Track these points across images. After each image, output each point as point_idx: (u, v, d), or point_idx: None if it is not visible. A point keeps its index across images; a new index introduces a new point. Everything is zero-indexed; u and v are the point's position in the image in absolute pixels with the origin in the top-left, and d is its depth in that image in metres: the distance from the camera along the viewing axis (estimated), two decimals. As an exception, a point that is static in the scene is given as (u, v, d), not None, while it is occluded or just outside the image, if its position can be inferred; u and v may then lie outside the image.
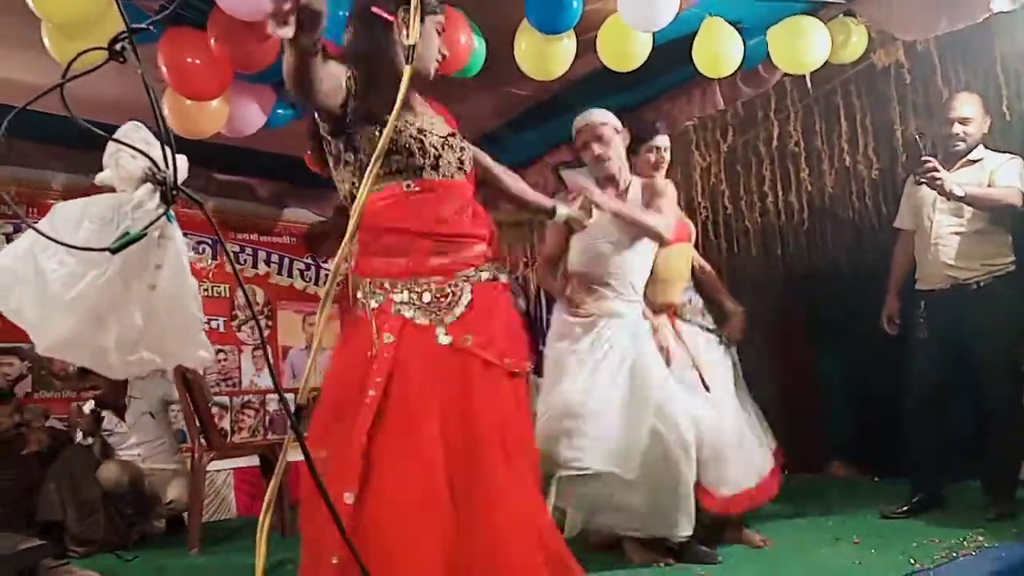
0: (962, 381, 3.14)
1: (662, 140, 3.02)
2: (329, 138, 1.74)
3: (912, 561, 2.40)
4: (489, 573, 1.56)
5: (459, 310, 1.69)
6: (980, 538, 2.64)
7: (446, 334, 1.65)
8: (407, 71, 1.30)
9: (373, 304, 1.69)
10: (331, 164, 1.77)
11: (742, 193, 4.31)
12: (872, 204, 4.09)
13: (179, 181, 0.97)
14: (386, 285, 1.69)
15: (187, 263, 1.01)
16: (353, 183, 1.72)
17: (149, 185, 0.96)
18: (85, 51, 1.07)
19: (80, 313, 0.95)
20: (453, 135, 1.83)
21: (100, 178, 1.02)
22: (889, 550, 2.60)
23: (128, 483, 3.74)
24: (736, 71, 3.26)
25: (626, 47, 3.10)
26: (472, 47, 3.03)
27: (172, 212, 0.97)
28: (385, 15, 1.76)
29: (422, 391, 1.61)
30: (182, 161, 1.01)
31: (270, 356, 4.78)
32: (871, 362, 3.92)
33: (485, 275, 1.76)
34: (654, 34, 3.04)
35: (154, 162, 0.97)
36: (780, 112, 3.86)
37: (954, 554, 2.48)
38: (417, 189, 1.72)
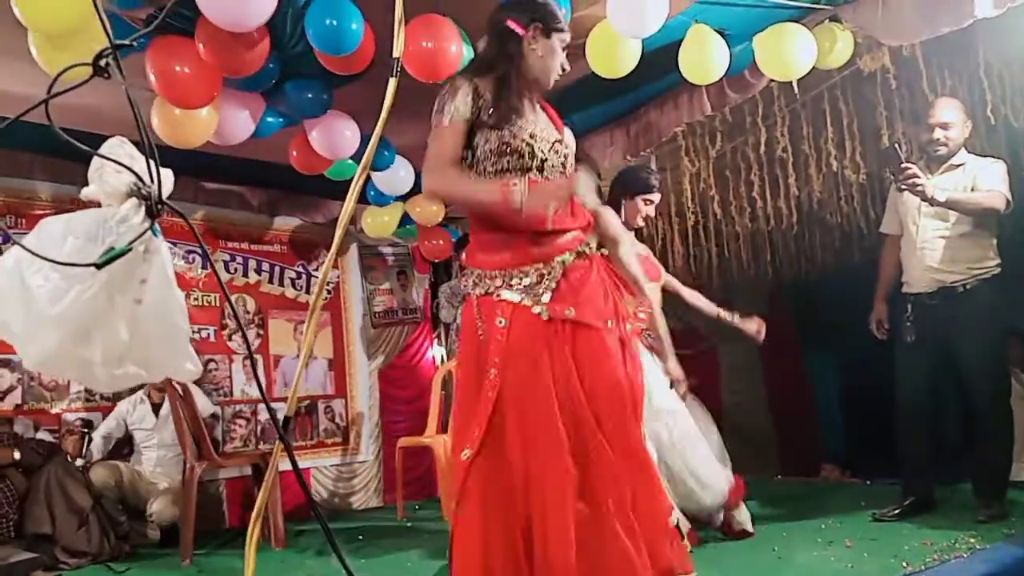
0: (950, 383, 3.16)
1: (658, 196, 3.16)
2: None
3: (904, 564, 2.41)
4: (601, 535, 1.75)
5: (552, 288, 1.87)
6: (971, 540, 2.65)
7: (547, 310, 1.84)
8: (391, 83, 1.32)
9: (480, 292, 1.92)
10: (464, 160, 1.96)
11: (731, 199, 4.33)
12: (860, 208, 4.12)
13: (164, 195, 0.98)
14: (493, 274, 1.91)
15: (173, 277, 1.01)
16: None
17: (134, 200, 0.96)
18: (69, 67, 1.07)
19: (66, 328, 0.94)
20: (560, 141, 2.00)
21: (85, 193, 1.02)
22: (881, 553, 2.61)
23: (115, 484, 3.76)
24: (723, 77, 3.28)
25: (615, 54, 3.11)
26: (462, 55, 3.03)
27: (158, 226, 0.96)
28: (519, 29, 1.97)
29: (536, 365, 1.81)
30: (167, 175, 1.00)
31: (258, 367, 4.77)
32: (861, 366, 3.95)
33: (577, 258, 1.93)
34: (643, 41, 3.06)
35: (139, 177, 0.97)
36: (768, 118, 3.88)
37: (946, 556, 2.49)
38: (525, 189, 1.87)
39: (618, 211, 3.11)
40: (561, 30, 2.01)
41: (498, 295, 1.89)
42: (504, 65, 1.94)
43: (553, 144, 1.97)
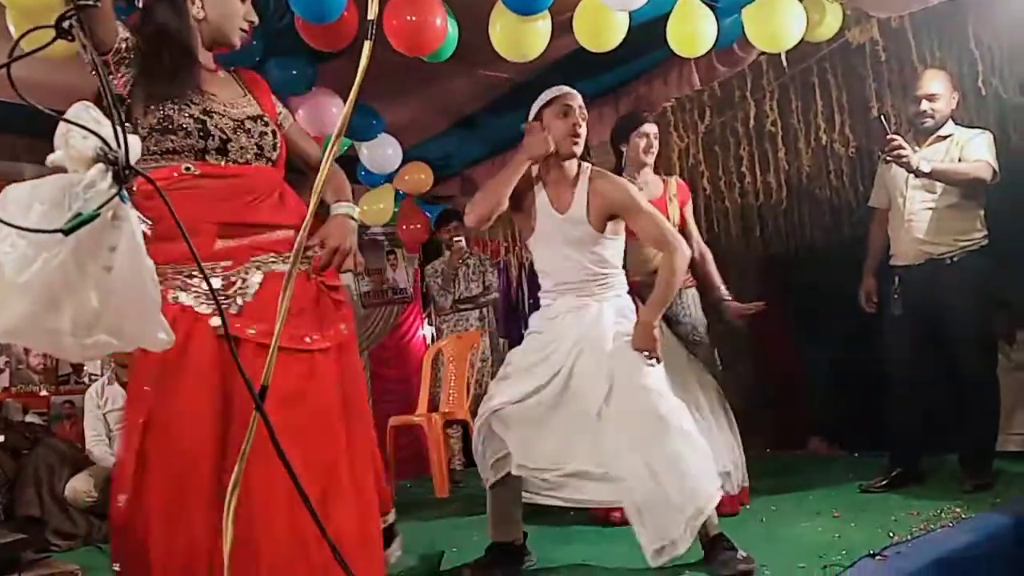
0: (938, 355, 3.17)
1: (651, 127, 3.15)
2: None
3: (891, 534, 2.43)
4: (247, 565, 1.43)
5: (246, 298, 1.57)
6: (957, 510, 2.67)
7: (229, 323, 1.50)
8: (366, 46, 1.27)
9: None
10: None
11: (720, 174, 4.32)
12: (849, 182, 4.11)
13: (132, 160, 0.96)
14: (167, 272, 1.53)
15: (143, 244, 0.99)
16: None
17: (101, 165, 0.94)
18: (32, 29, 1.04)
19: (33, 297, 0.92)
20: (257, 118, 1.71)
21: (51, 159, 0.99)
22: (868, 523, 2.64)
23: (100, 489, 3.59)
24: (711, 50, 3.25)
25: (603, 27, 3.07)
26: (447, 29, 3.00)
27: (126, 192, 0.95)
28: None
29: (195, 386, 1.49)
30: (135, 140, 0.98)
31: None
32: (850, 339, 3.96)
33: (281, 265, 1.62)
34: (630, 14, 3.03)
35: (105, 141, 0.95)
36: (756, 92, 3.86)
37: (932, 526, 2.51)
38: (198, 172, 1.61)
39: (621, 159, 3.18)
40: None
41: (171, 296, 1.53)
42: (163, 29, 1.63)
43: (242, 122, 1.67)
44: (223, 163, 1.63)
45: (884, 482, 3.19)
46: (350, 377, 1.71)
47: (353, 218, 1.73)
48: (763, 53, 3.41)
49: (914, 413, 3.21)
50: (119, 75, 1.59)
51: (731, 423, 3.08)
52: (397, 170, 4.35)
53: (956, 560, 2.27)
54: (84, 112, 0.94)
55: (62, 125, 0.95)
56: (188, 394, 1.49)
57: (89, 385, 4.11)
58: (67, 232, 0.90)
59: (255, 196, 1.65)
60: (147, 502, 1.45)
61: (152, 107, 1.59)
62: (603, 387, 2.27)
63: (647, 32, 3.17)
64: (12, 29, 2.59)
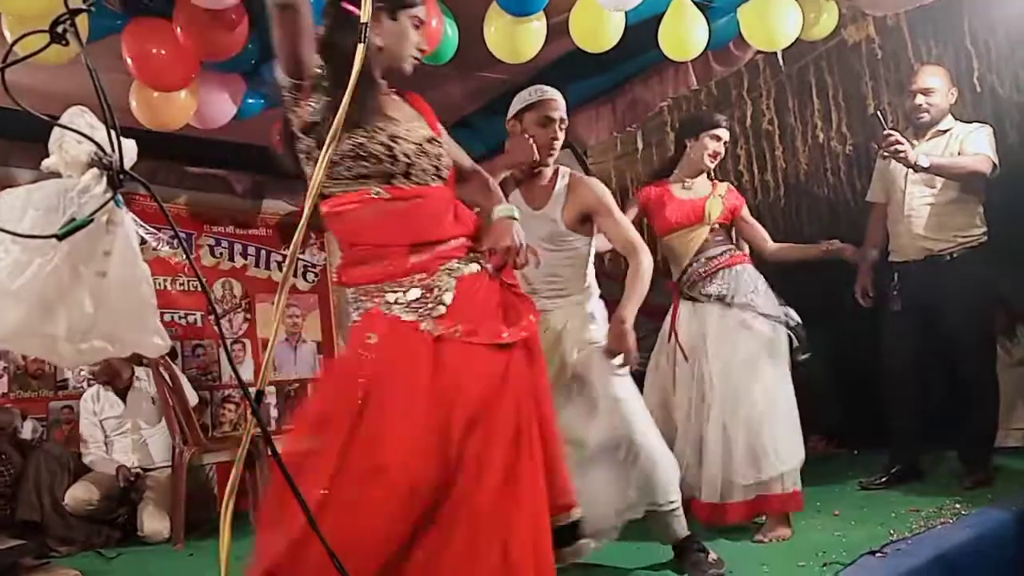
0: (937, 352, 3.17)
1: (725, 132, 2.96)
2: (300, 134, 1.69)
3: (891, 531, 2.43)
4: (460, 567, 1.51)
5: (445, 304, 1.66)
6: (957, 506, 2.68)
7: (434, 327, 1.62)
8: (359, 49, 1.27)
9: (359, 312, 1.69)
10: (302, 160, 1.72)
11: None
12: (846, 180, 4.11)
13: (127, 165, 0.95)
14: (370, 290, 1.67)
15: (138, 249, 0.99)
16: (323, 183, 1.66)
17: (95, 170, 0.94)
18: (26, 34, 1.04)
19: (27, 302, 0.92)
20: (432, 140, 1.77)
21: (46, 164, 0.99)
22: (868, 521, 2.64)
23: (99, 499, 3.61)
24: (707, 50, 3.25)
25: (598, 28, 3.08)
26: (443, 31, 3.00)
27: (120, 197, 0.94)
28: (355, 10, 1.64)
29: (410, 389, 1.58)
30: (130, 145, 0.98)
31: (246, 351, 4.75)
32: (848, 336, 3.94)
33: (468, 268, 1.73)
34: (627, 14, 3.03)
35: (99, 146, 0.94)
36: (753, 91, 3.86)
37: (932, 523, 2.51)
38: (388, 196, 1.68)
39: (682, 155, 2.99)
40: (411, 5, 1.76)
41: (383, 309, 1.65)
42: (345, 54, 1.59)
43: (422, 145, 1.73)
44: (408, 186, 1.70)
45: (884, 479, 3.19)
46: (540, 364, 1.80)
47: (515, 218, 1.81)
48: (760, 52, 3.41)
49: (913, 410, 3.20)
50: (310, 100, 1.66)
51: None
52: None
53: (956, 557, 2.27)
54: (79, 117, 0.94)
55: (56, 130, 0.94)
56: (400, 400, 1.57)
57: (87, 389, 4.10)
58: (61, 237, 0.89)
59: (437, 214, 1.74)
60: (341, 497, 1.49)
61: (345, 134, 1.63)
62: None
63: (644, 32, 3.17)
64: (7, 34, 2.59)
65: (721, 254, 2.89)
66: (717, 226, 2.92)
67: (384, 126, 1.69)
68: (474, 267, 1.73)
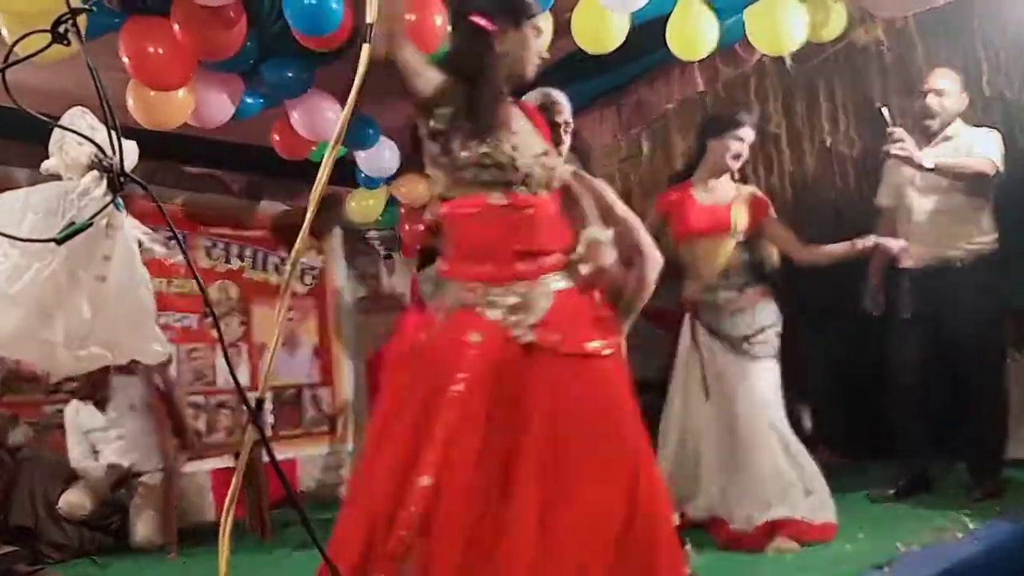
0: (945, 361, 3.12)
1: (750, 133, 2.90)
2: (428, 140, 1.80)
3: (899, 544, 2.39)
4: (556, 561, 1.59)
5: (541, 312, 1.74)
6: (966, 519, 2.63)
7: (526, 334, 1.70)
8: (364, 49, 1.25)
9: (456, 305, 1.76)
10: (426, 162, 1.83)
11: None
12: (854, 184, 4.06)
13: (128, 167, 0.91)
14: (474, 287, 1.75)
15: (138, 253, 0.94)
16: (446, 185, 1.81)
17: (95, 172, 0.89)
18: (27, 34, 1.00)
19: (25, 307, 0.88)
20: (546, 153, 1.86)
21: (46, 166, 0.95)
22: (877, 533, 2.60)
23: (93, 505, 3.56)
24: (714, 51, 3.21)
25: (602, 29, 3.04)
26: (446, 28, 2.95)
27: (120, 200, 0.90)
28: (484, 24, 1.78)
29: (506, 390, 1.66)
30: (131, 147, 0.94)
31: (241, 355, 4.70)
32: (856, 344, 3.90)
33: (563, 283, 1.81)
34: (632, 15, 2.99)
35: (100, 148, 0.90)
36: (760, 93, 3.82)
37: (941, 536, 2.48)
38: (505, 203, 1.76)
39: (703, 154, 2.94)
40: (532, 15, 1.85)
41: (477, 310, 1.73)
42: (474, 68, 1.78)
43: (539, 157, 1.82)
44: (523, 195, 1.79)
45: (892, 491, 3.15)
46: (627, 375, 1.87)
47: (602, 241, 1.90)
48: (767, 54, 3.37)
49: (922, 420, 3.16)
50: (436, 111, 1.76)
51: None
52: (396, 173, 4.30)
53: (965, 570, 2.24)
54: (79, 118, 0.89)
55: (57, 131, 0.90)
56: (499, 399, 1.65)
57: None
58: (60, 242, 0.85)
59: (543, 225, 1.82)
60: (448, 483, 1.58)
61: (472, 142, 1.74)
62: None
63: (649, 33, 3.13)
64: (5, 32, 2.54)
65: (744, 285, 2.88)
66: (742, 238, 2.88)
67: (506, 136, 1.78)
68: (569, 282, 1.82)
